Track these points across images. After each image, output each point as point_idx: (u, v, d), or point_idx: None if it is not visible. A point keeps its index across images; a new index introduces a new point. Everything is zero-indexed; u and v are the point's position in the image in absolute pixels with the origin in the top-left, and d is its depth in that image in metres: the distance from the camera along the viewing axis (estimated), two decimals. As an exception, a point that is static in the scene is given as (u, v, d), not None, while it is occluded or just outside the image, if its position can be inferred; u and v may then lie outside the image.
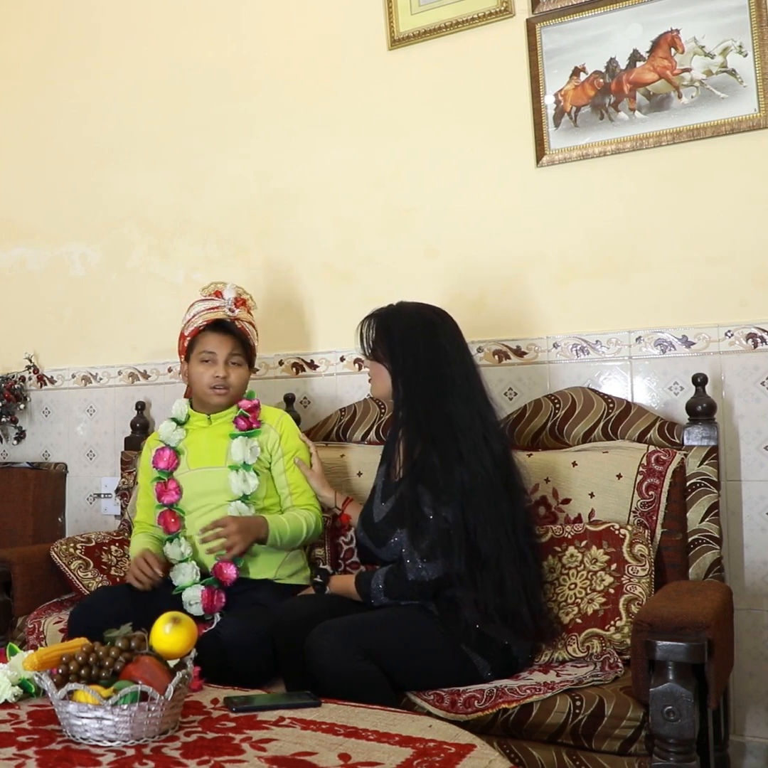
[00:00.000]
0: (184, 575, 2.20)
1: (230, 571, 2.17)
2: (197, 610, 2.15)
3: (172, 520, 2.27)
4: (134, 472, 2.78)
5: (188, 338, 2.33)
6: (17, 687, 1.60)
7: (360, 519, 2.13)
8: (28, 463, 3.32)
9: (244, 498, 2.22)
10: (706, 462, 2.13)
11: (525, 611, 1.86)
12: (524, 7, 2.57)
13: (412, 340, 1.98)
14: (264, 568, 2.23)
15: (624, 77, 2.45)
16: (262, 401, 2.39)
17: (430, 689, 1.80)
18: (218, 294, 2.35)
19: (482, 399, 1.98)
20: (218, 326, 2.30)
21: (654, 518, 2.10)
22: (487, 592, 1.83)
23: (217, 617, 2.14)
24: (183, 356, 2.37)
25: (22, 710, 1.55)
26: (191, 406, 2.40)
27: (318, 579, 2.05)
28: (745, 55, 2.30)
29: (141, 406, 3.07)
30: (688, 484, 2.13)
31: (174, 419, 2.37)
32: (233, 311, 2.32)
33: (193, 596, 2.17)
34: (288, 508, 2.30)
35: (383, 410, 2.58)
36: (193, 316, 2.34)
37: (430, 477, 1.87)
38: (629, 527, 2.04)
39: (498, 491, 1.88)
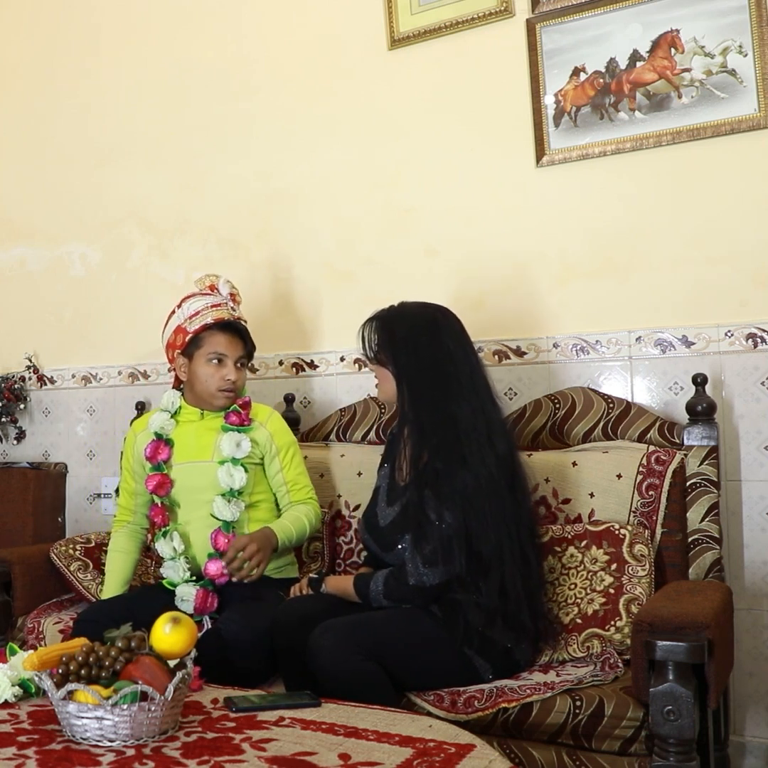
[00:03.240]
0: (174, 573, 2.20)
1: (221, 577, 2.17)
2: (187, 607, 2.15)
3: (165, 513, 2.26)
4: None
5: (192, 334, 2.26)
6: (17, 687, 1.60)
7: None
8: (28, 463, 3.32)
9: (231, 493, 2.21)
10: (706, 462, 2.13)
11: (526, 613, 1.86)
12: (524, 7, 2.57)
13: (415, 341, 1.96)
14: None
15: (624, 77, 2.45)
16: (262, 401, 2.39)
17: (430, 689, 1.80)
18: (213, 288, 2.33)
19: (487, 397, 1.97)
20: (228, 327, 2.27)
21: (654, 518, 2.10)
22: (490, 596, 1.83)
23: (205, 620, 2.13)
24: (179, 351, 2.29)
25: (22, 710, 1.55)
26: (183, 398, 2.35)
27: (315, 576, 2.05)
28: (745, 55, 2.30)
29: (141, 406, 3.07)
30: (688, 484, 2.13)
31: (165, 410, 2.34)
32: (235, 310, 2.31)
33: (188, 593, 2.16)
34: (287, 506, 2.30)
35: (383, 410, 2.58)
36: (197, 314, 2.27)
37: (434, 482, 1.87)
38: (629, 527, 2.04)
39: (501, 492, 1.87)
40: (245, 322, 2.34)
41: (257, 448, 2.28)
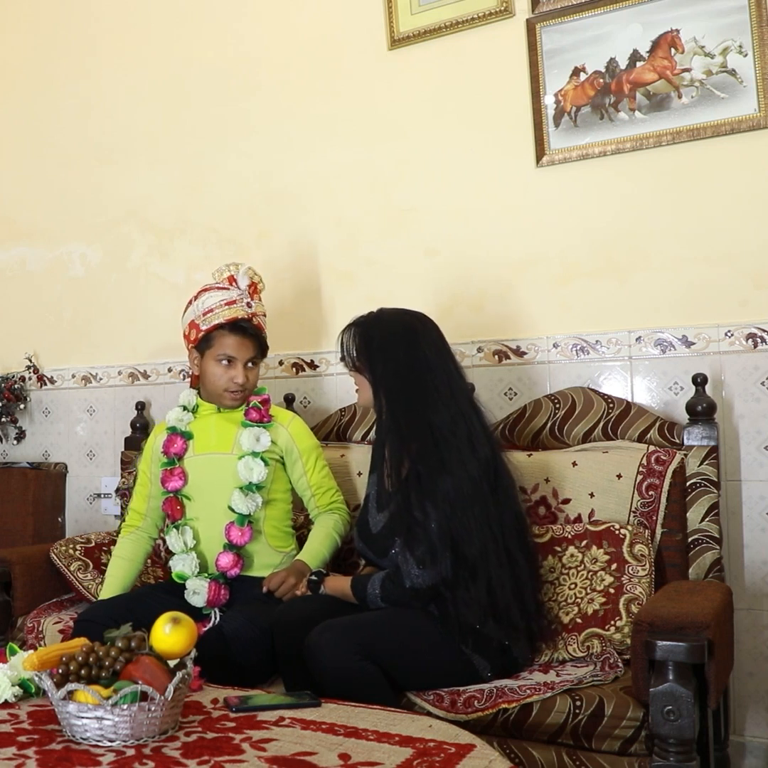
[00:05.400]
0: (185, 567, 2.20)
1: (232, 568, 2.19)
2: (199, 601, 2.16)
3: (178, 507, 2.26)
4: (134, 472, 2.77)
5: (204, 332, 2.26)
6: (17, 687, 1.60)
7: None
8: (28, 463, 3.32)
9: (249, 487, 2.21)
10: (706, 462, 2.13)
11: (517, 614, 1.86)
12: (524, 7, 2.57)
13: (392, 349, 1.97)
14: (263, 567, 2.24)
15: (624, 77, 2.45)
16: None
17: (430, 689, 1.80)
18: (232, 280, 2.30)
19: (466, 403, 1.97)
20: (238, 328, 2.25)
21: (654, 518, 2.10)
22: (478, 594, 1.83)
23: (214, 613, 2.14)
24: (193, 345, 2.30)
25: (22, 710, 1.55)
26: (199, 396, 2.36)
27: (314, 578, 2.06)
28: (745, 55, 2.30)
29: (141, 406, 3.07)
30: (688, 484, 2.13)
31: (183, 406, 2.35)
32: (250, 305, 2.28)
33: (199, 586, 2.16)
34: (314, 510, 2.31)
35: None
36: (210, 311, 2.25)
37: (417, 485, 1.88)
38: (629, 527, 2.04)
39: (484, 496, 1.88)
40: (263, 314, 2.33)
41: (276, 447, 2.28)
